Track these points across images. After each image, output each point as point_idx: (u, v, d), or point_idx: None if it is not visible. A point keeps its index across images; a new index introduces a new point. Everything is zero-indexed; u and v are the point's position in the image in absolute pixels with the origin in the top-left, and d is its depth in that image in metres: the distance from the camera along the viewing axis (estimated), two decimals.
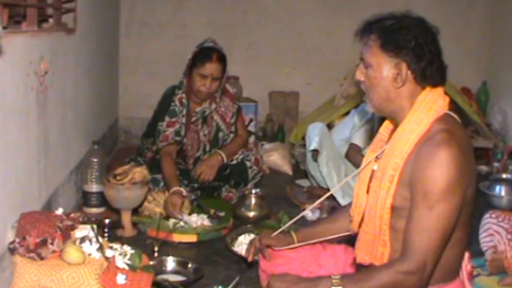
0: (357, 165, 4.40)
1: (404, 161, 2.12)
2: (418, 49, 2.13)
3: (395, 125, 2.26)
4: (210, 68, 4.10)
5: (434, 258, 2.05)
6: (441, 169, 2.00)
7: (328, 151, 4.38)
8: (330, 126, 5.15)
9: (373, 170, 2.31)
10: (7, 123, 2.44)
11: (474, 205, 2.20)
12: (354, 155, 4.52)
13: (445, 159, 2.00)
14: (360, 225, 2.36)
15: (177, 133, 4.20)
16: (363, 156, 4.47)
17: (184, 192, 3.77)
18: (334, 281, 2.07)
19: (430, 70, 2.15)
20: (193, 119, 4.29)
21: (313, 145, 4.41)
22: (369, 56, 2.19)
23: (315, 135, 4.46)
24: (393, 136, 2.21)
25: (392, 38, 2.14)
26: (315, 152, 4.43)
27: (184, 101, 4.23)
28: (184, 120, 4.23)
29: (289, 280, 2.17)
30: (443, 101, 2.18)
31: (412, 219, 2.05)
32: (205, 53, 4.13)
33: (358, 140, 4.58)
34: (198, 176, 4.22)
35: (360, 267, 2.39)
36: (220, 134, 4.40)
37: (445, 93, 2.22)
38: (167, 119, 4.21)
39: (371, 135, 4.55)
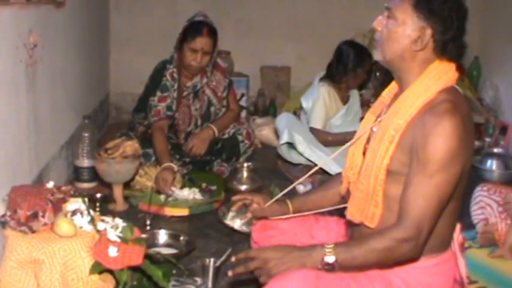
0: (335, 142, 4.44)
1: (406, 124, 2.10)
2: (448, 21, 2.11)
3: (400, 86, 2.26)
4: (201, 42, 4.08)
5: (429, 227, 2.05)
6: (443, 139, 1.99)
7: (302, 134, 4.40)
8: None
9: (371, 131, 2.31)
10: None
11: (469, 178, 2.21)
12: (323, 137, 4.53)
13: (448, 129, 1.99)
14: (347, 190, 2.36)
15: (169, 108, 4.19)
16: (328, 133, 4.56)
17: (176, 168, 3.76)
18: (327, 250, 2.07)
19: (451, 45, 2.14)
20: (185, 93, 4.28)
21: (284, 138, 4.43)
22: (397, 10, 2.15)
23: (283, 127, 4.49)
24: (399, 98, 2.19)
25: (428, 0, 2.12)
26: (289, 144, 4.47)
27: (175, 75, 4.22)
28: (175, 95, 4.22)
29: (281, 249, 2.16)
30: (453, 75, 2.17)
31: (410, 186, 2.04)
32: (196, 28, 4.11)
33: (315, 122, 4.60)
34: (189, 150, 4.22)
35: (351, 226, 2.40)
36: (212, 109, 4.39)
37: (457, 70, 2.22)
38: (159, 93, 4.21)
39: (325, 111, 4.62)
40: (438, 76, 2.14)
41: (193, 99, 4.32)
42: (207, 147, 4.27)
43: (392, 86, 2.38)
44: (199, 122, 4.36)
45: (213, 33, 4.15)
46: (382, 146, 2.14)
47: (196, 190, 3.77)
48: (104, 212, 3.14)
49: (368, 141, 2.31)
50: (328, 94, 4.62)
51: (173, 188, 3.68)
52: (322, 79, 4.68)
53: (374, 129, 2.30)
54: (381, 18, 2.23)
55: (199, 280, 2.73)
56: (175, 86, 4.23)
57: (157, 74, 4.29)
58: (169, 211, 3.50)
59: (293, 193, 3.88)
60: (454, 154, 2.00)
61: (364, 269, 2.12)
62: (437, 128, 2.00)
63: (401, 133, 2.11)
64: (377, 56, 2.25)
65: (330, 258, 2.05)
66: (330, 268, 2.06)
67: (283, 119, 4.59)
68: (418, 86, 2.14)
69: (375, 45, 2.27)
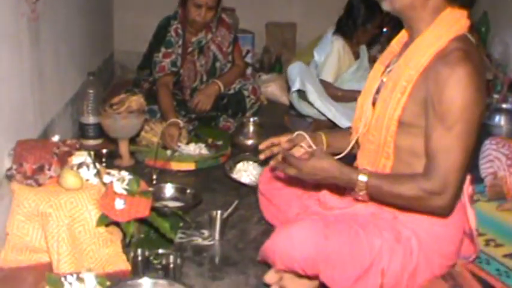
0: (344, 98, 4.41)
1: (418, 74, 2.08)
2: None
3: (410, 35, 2.22)
4: None
5: (457, 179, 2.02)
6: (459, 89, 1.96)
7: (314, 85, 4.37)
8: None
9: (381, 82, 2.28)
10: None
11: (481, 129, 2.18)
12: (333, 91, 4.50)
13: (463, 78, 1.96)
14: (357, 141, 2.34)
15: (174, 64, 4.16)
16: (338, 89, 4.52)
17: (182, 124, 3.75)
18: (362, 172, 2.07)
19: None
20: (190, 49, 4.24)
21: (296, 86, 4.41)
22: None
23: (295, 75, 4.45)
24: (410, 47, 2.15)
25: None
26: (299, 92, 4.45)
27: (179, 31, 4.18)
28: (180, 50, 4.19)
29: (321, 169, 2.12)
30: (465, 22, 2.13)
31: (431, 139, 2.02)
32: None
33: (327, 75, 4.56)
34: (195, 106, 4.20)
35: None
36: (217, 64, 4.35)
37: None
38: (163, 49, 4.17)
39: (338, 66, 4.57)
40: (450, 24, 2.10)
41: (198, 55, 4.28)
42: (213, 102, 4.25)
43: (402, 35, 2.34)
44: (204, 78, 4.33)
45: None
46: (393, 97, 2.11)
47: (202, 145, 3.76)
48: (110, 167, 3.14)
49: (378, 91, 2.28)
50: (342, 48, 4.58)
51: (179, 144, 3.67)
52: (335, 33, 4.63)
53: (384, 79, 2.27)
54: None
55: (206, 232, 2.73)
56: (180, 42, 4.19)
57: (161, 30, 4.25)
58: (175, 166, 3.49)
59: None
60: (470, 103, 1.97)
61: (387, 201, 2.14)
62: (451, 79, 1.97)
63: (414, 84, 2.08)
64: (386, 6, 2.20)
65: (363, 177, 2.05)
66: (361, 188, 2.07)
67: (296, 68, 4.54)
68: (429, 35, 2.11)
69: None
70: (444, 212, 2.09)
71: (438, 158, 2.00)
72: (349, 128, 2.55)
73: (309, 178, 2.15)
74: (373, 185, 2.05)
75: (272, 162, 2.22)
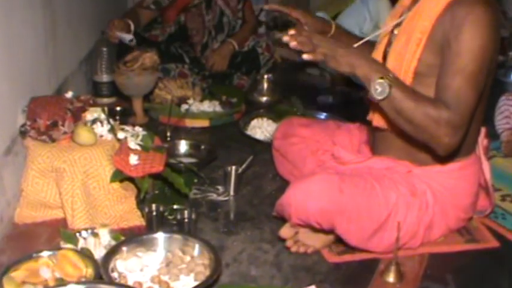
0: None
1: (432, 24, 2.04)
2: None
3: None
4: None
5: (469, 119, 2.00)
6: (477, 27, 1.94)
7: None
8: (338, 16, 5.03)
9: (392, 34, 2.24)
10: (10, 9, 2.36)
11: (493, 85, 2.15)
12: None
13: (481, 17, 1.95)
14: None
15: (156, 2, 4.16)
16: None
17: (132, 26, 3.77)
18: (389, 74, 1.98)
19: None
20: (196, 2, 4.22)
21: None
22: None
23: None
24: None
25: None
26: None
27: None
28: None
29: (352, 51, 2.04)
30: None
31: (447, 76, 1.97)
32: None
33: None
34: (210, 67, 4.19)
35: (373, 132, 2.37)
36: (225, 19, 4.31)
37: None
38: None
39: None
40: None
41: (206, 10, 4.25)
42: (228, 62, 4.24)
43: None
44: (213, 33, 4.30)
45: None
46: (409, 50, 2.09)
47: (216, 103, 3.74)
48: (124, 125, 3.14)
49: (389, 44, 2.25)
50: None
51: (193, 101, 3.65)
52: None
53: (395, 32, 2.24)
54: None
55: (221, 188, 2.73)
56: None
57: None
58: (189, 122, 3.48)
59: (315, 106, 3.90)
60: (488, 42, 1.96)
61: (399, 120, 2.01)
62: (469, 17, 1.94)
63: (428, 34, 2.05)
64: None
65: (385, 83, 1.95)
66: (378, 92, 1.97)
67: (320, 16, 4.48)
68: None
69: None
70: (449, 149, 2.01)
71: (456, 94, 1.95)
72: None
73: (328, 56, 1.99)
74: (395, 94, 1.95)
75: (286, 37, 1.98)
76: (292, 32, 1.98)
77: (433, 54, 2.05)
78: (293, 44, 1.95)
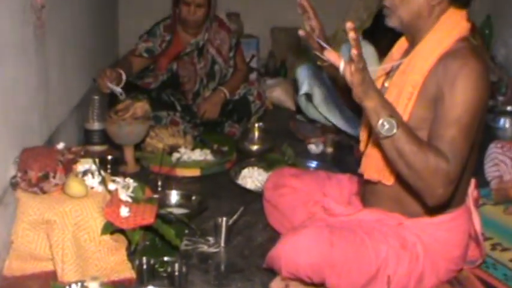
0: None
1: (424, 77, 2.07)
2: None
3: (412, 42, 2.22)
4: None
5: (463, 169, 2.02)
6: (470, 80, 1.97)
7: (321, 89, 4.35)
8: None
9: (383, 87, 2.27)
10: (4, 59, 2.38)
11: (484, 131, 2.18)
12: None
13: (474, 70, 1.98)
14: (367, 144, 2.33)
15: (148, 50, 4.20)
16: None
17: (124, 76, 3.74)
18: (397, 117, 1.95)
19: None
20: (187, 50, 4.26)
21: (303, 89, 4.40)
22: None
23: (303, 79, 4.44)
24: (412, 53, 2.15)
25: None
26: (307, 96, 4.44)
27: (170, 28, 4.26)
28: (164, 46, 4.23)
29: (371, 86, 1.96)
30: (465, 24, 2.14)
31: (441, 126, 1.99)
32: None
33: None
34: (202, 115, 4.21)
35: (364, 184, 2.37)
36: (216, 67, 4.35)
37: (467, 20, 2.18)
38: (145, 37, 4.27)
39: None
40: (451, 27, 2.11)
41: (198, 58, 4.29)
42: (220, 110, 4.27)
43: (402, 42, 2.35)
44: (204, 81, 4.33)
45: None
46: (400, 104, 2.10)
47: (207, 151, 3.74)
48: (115, 174, 3.13)
49: None
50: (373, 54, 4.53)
51: (184, 149, 3.66)
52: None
53: (386, 84, 2.27)
54: None
55: (211, 239, 2.72)
56: (168, 37, 4.23)
57: (153, 26, 4.34)
58: (180, 172, 3.47)
59: (306, 155, 3.91)
60: (481, 94, 1.99)
61: (398, 162, 1.98)
62: (463, 71, 1.97)
63: (420, 88, 2.08)
64: (392, 22, 2.21)
65: (393, 121, 1.92)
66: (385, 129, 1.93)
67: (305, 70, 4.51)
68: (431, 40, 2.12)
69: (387, 12, 2.22)
70: (440, 200, 2.01)
71: (452, 146, 1.96)
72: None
73: (359, 72, 1.90)
74: (400, 135, 1.93)
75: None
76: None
77: (424, 107, 2.07)
78: (353, 36, 1.84)
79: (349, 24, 1.82)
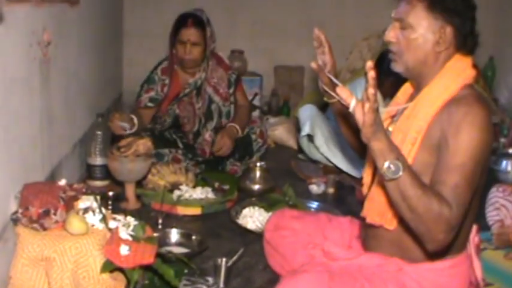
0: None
1: (428, 124, 2.08)
2: (464, 14, 2.12)
3: (417, 87, 2.23)
4: (186, 33, 4.11)
5: (465, 215, 2.01)
6: (475, 127, 1.98)
7: (322, 130, 4.36)
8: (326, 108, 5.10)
9: (387, 131, 2.26)
10: (9, 93, 2.40)
11: (486, 177, 2.18)
12: None
13: (478, 117, 1.99)
14: (370, 188, 2.32)
15: (152, 100, 4.23)
16: None
17: (135, 120, 3.81)
18: (402, 159, 1.92)
19: (471, 37, 2.16)
20: (187, 90, 4.27)
21: (305, 130, 4.41)
22: (410, 17, 2.13)
23: (305, 119, 4.46)
24: (417, 99, 2.16)
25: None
26: (309, 137, 4.45)
27: (169, 70, 4.28)
28: (166, 90, 4.26)
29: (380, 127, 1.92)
30: (470, 72, 2.16)
31: (444, 172, 1.98)
32: (180, 20, 4.17)
33: None
34: (217, 150, 4.13)
35: (365, 227, 2.37)
36: (213, 106, 4.33)
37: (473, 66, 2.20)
38: (145, 86, 4.29)
39: None
40: (456, 73, 2.12)
41: (196, 98, 4.30)
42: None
43: (407, 86, 2.36)
44: (202, 121, 4.32)
45: (198, 23, 4.14)
46: (404, 149, 2.09)
47: (209, 189, 3.75)
48: (116, 210, 3.13)
49: None
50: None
51: (186, 187, 3.67)
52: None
53: (390, 128, 2.27)
54: (393, 30, 2.20)
55: (210, 280, 2.71)
56: (167, 80, 4.26)
57: (152, 70, 4.37)
58: (181, 210, 3.48)
59: (307, 195, 3.91)
60: (485, 140, 2.00)
61: (401, 205, 1.95)
62: (467, 118, 1.98)
63: (424, 134, 2.09)
64: (398, 67, 2.22)
65: (400, 164, 1.88)
66: (390, 172, 1.90)
67: (307, 111, 4.54)
68: (436, 86, 2.13)
69: (393, 57, 2.23)
70: (440, 246, 1.99)
71: (455, 193, 1.95)
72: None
73: (371, 111, 1.86)
74: (405, 178, 1.91)
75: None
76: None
77: (428, 153, 2.07)
78: (372, 76, 1.83)
79: (369, 64, 1.82)
